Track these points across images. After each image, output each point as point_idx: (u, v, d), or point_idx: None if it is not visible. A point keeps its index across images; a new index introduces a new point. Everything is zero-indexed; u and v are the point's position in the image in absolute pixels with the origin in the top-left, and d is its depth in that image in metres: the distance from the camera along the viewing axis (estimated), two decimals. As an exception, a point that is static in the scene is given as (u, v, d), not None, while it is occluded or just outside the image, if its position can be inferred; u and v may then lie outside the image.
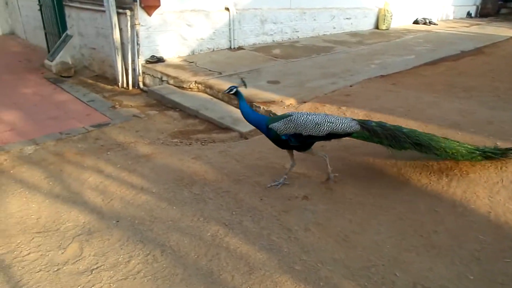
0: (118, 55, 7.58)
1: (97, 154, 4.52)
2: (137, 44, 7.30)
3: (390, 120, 4.53)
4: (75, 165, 4.23)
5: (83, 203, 3.54)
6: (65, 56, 9.47)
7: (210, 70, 7.25)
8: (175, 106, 6.09)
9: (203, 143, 4.77)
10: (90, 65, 9.46)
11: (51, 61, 9.47)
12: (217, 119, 5.33)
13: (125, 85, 7.76)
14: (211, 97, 6.20)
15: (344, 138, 3.55)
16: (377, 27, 13.34)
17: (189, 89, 6.59)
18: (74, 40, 9.59)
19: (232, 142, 4.70)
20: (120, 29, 7.46)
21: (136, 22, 7.14)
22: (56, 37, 10.37)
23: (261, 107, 5.35)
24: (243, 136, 4.89)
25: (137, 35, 7.25)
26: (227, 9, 8.75)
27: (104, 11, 7.69)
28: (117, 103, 6.62)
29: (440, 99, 5.36)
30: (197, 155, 4.33)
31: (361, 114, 4.77)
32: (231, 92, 3.48)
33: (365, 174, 3.75)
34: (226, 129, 5.13)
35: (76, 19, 9.31)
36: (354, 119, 3.44)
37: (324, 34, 11.45)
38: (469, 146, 3.53)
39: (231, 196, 3.52)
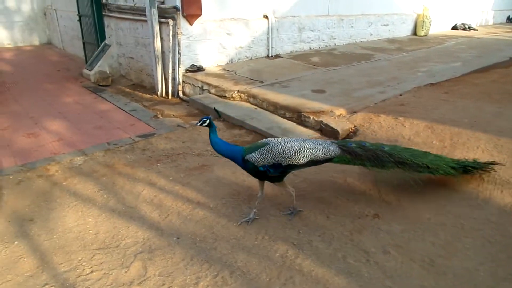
0: (159, 64, 7.57)
1: (147, 165, 4.42)
2: (178, 53, 7.27)
3: (455, 132, 4.24)
4: (127, 177, 4.14)
5: (140, 218, 3.41)
6: (103, 65, 9.60)
7: (251, 79, 7.12)
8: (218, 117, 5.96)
9: (254, 155, 4.59)
10: (127, 74, 9.55)
11: (90, 70, 9.62)
12: (265, 129, 5.15)
13: (164, 94, 7.74)
14: (255, 107, 6.04)
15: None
16: (415, 33, 12.94)
17: (231, 99, 6.47)
18: (112, 49, 9.72)
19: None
20: (161, 38, 7.46)
21: (178, 31, 7.11)
22: (94, 47, 10.55)
23: (311, 117, 5.14)
24: (295, 147, 4.68)
25: (178, 44, 7.22)
26: (266, 17, 8.64)
27: (145, 21, 7.73)
28: (158, 113, 6.57)
29: (504, 109, 5.00)
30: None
31: (422, 126, 4.49)
32: (204, 124, 3.09)
33: (435, 190, 3.47)
34: (276, 140, 4.94)
35: (115, 29, 9.44)
36: (334, 142, 3.23)
37: (361, 41, 11.18)
38: (450, 160, 3.40)
39: (294, 213, 3.32)
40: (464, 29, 14.72)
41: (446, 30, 14.65)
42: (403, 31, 12.70)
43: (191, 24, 7.45)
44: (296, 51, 9.55)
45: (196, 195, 3.72)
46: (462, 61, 8.60)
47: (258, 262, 2.79)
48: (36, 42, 16.28)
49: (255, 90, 6.41)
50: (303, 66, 8.18)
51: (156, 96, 7.77)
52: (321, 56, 9.21)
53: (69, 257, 2.97)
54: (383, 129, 4.61)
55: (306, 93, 6.21)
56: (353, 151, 3.19)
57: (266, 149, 2.99)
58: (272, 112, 5.78)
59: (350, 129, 4.81)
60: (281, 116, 5.58)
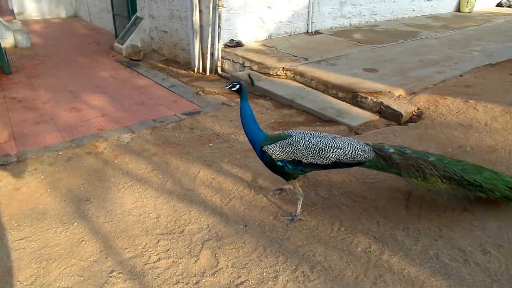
0: (196, 39, 7.25)
1: (198, 145, 4.20)
2: (219, 27, 6.92)
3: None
4: (180, 158, 3.93)
5: (201, 202, 3.21)
6: (135, 39, 9.35)
7: (294, 56, 6.75)
8: (264, 94, 5.67)
9: (310, 137, 4.30)
10: (159, 48, 9.27)
11: (121, 44, 9.39)
12: (318, 110, 4.84)
13: (201, 70, 7.46)
14: (303, 85, 5.71)
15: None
16: (458, 9, 12.14)
17: (276, 76, 6.14)
18: (144, 22, 9.42)
19: (344, 137, 4.19)
20: (200, 11, 7.11)
21: (220, 3, 6.74)
22: (125, 20, 10.28)
23: (369, 98, 4.79)
24: (353, 130, 4.38)
25: (219, 17, 6.86)
26: (308, -11, 8.14)
27: (182, -8, 7.39)
28: (199, 89, 6.32)
29: None
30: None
31: (497, 110, 4.09)
32: (233, 89, 2.84)
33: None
34: (330, 121, 4.64)
35: (148, 1, 9.10)
36: (368, 144, 2.76)
37: (403, 17, 10.53)
38: (509, 180, 2.75)
39: (369, 203, 3.05)
40: (509, 6, 13.75)
41: (491, 7, 13.71)
42: (446, 7, 11.92)
43: (231, -4, 7.05)
44: (336, 27, 9.05)
45: (256, 179, 3.49)
46: (518, 41, 7.96)
47: (339, 256, 2.56)
48: (62, 14, 16.10)
49: (302, 68, 6.05)
50: (347, 43, 7.72)
51: (192, 72, 7.50)
52: (364, 32, 8.69)
53: (132, 242, 2.80)
54: (452, 112, 4.24)
55: (357, 71, 5.82)
56: (390, 158, 2.69)
57: (287, 142, 2.64)
58: (323, 91, 5.44)
59: (414, 112, 4.45)
60: (333, 96, 5.24)
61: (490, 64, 6.18)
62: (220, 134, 4.46)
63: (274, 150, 2.66)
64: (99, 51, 9.86)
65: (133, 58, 8.86)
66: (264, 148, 2.71)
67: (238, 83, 2.84)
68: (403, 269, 2.41)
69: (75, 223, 3.01)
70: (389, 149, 2.75)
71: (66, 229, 2.95)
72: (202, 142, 4.28)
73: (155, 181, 3.54)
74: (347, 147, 2.63)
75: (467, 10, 11.99)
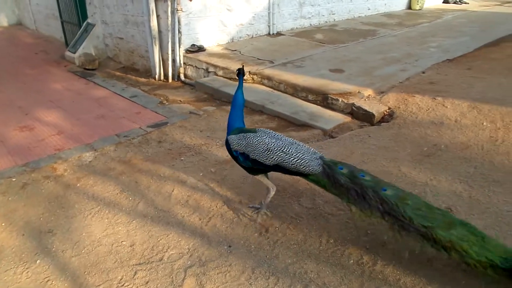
0: (156, 45, 6.94)
1: (169, 160, 3.95)
2: (179, 32, 6.65)
3: (505, 112, 3.97)
4: (150, 175, 3.67)
5: (178, 224, 2.99)
6: (88, 47, 8.82)
7: (259, 59, 6.63)
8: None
9: (284, 144, 4.19)
10: (115, 56, 8.81)
11: (73, 52, 8.82)
12: (290, 114, 4.74)
13: (162, 77, 7.15)
14: (271, 89, 5.59)
15: None
16: (409, 7, 12.61)
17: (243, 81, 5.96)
18: (97, 29, 8.92)
19: (319, 142, 4.12)
20: (158, 16, 6.80)
21: (178, 8, 6.48)
22: (75, 27, 9.68)
23: (340, 100, 4.75)
24: (328, 134, 4.31)
25: (179, 22, 6.60)
26: (267, -10, 8.06)
27: (136, -4, 7.04)
28: (162, 98, 6.02)
29: (540, 85, 4.77)
30: (287, 158, 3.76)
31: (465, 106, 4.19)
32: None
33: (504, 178, 3.20)
34: (304, 126, 4.55)
35: (99, 6, 8.62)
36: (323, 159, 2.63)
37: (359, 16, 10.76)
38: (493, 249, 2.09)
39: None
40: (455, 2, 14.51)
41: (438, 3, 14.40)
42: (399, 5, 12.35)
43: (190, -1, 6.81)
44: (296, 27, 9.05)
45: (235, 193, 3.31)
46: (468, 36, 8.35)
47: (332, 271, 2.45)
48: (4, 23, 14.97)
49: (268, 71, 5.94)
50: (310, 43, 7.72)
51: (153, 80, 7.18)
52: (324, 32, 8.75)
53: (106, 276, 2.53)
54: (422, 110, 4.29)
55: (324, 73, 5.79)
56: (335, 178, 2.50)
57: (246, 136, 2.74)
58: (292, 94, 5.35)
59: (385, 112, 4.47)
60: (303, 99, 5.17)
61: (448, 59, 6.41)
62: (191, 146, 4.23)
63: (233, 140, 2.80)
64: (48, 61, 9.22)
65: (87, 67, 8.35)
66: (228, 137, 2.87)
67: (238, 69, 3.07)
68: (398, 279, 2.34)
69: (38, 261, 2.68)
70: (342, 168, 2.56)
71: (27, 268, 2.61)
72: (173, 156, 4.03)
73: (126, 203, 3.26)
74: (294, 155, 2.58)
75: (417, 7, 12.48)
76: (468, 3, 14.55)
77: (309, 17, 9.34)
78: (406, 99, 4.55)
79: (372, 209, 2.37)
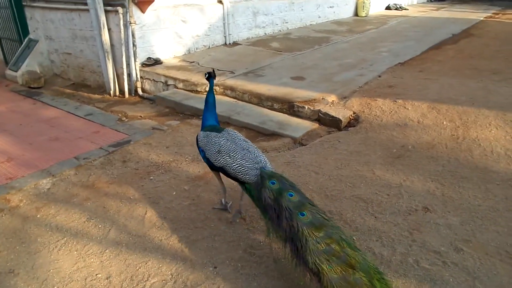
0: (109, 59, 6.62)
1: (137, 180, 3.73)
2: (134, 45, 6.41)
3: (461, 111, 4.20)
4: (119, 198, 3.44)
5: (156, 249, 2.81)
6: (31, 64, 8.26)
7: (219, 70, 6.54)
8: (196, 113, 5.35)
9: (256, 154, 4.13)
10: (63, 73, 8.32)
11: (15, 71, 8.21)
12: (258, 124, 4.70)
13: (117, 93, 6.84)
14: (235, 100, 5.53)
15: None
16: (356, 14, 13.19)
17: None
18: (40, 45, 8.38)
19: (291, 151, 4.11)
20: (109, 29, 6.51)
21: (132, 20, 6.25)
22: (16, 43, 9.03)
23: (306, 107, 4.80)
24: (298, 142, 4.32)
25: (132, 35, 6.35)
26: (220, 2, 8.03)
27: (82, 10, 6.72)
28: (121, 115, 5.74)
29: (486, 84, 5.14)
30: (262, 169, 3.71)
31: (424, 107, 4.40)
32: (206, 76, 3.23)
33: (470, 172, 3.37)
34: (273, 135, 4.53)
35: (42, 21, 8.11)
36: (263, 169, 2.54)
37: (311, 24, 11.06)
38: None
39: (337, 217, 2.97)
40: (396, 9, 15.41)
41: (381, 10, 15.22)
42: (346, 12, 12.87)
43: (143, 11, 6.60)
44: (252, 37, 9.10)
45: (214, 211, 3.19)
46: (413, 40, 8.87)
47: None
48: None
49: (231, 82, 5.88)
50: (267, 52, 7.78)
51: (108, 96, 6.84)
52: (280, 41, 8.87)
53: (83, 316, 2.30)
54: (386, 113, 4.44)
55: (286, 81, 5.84)
56: (260, 191, 2.44)
57: (209, 134, 2.85)
58: (257, 104, 5.32)
59: (351, 116, 4.57)
60: (269, 108, 5.16)
61: (399, 63, 6.74)
62: (159, 164, 4.04)
63: (199, 137, 2.93)
64: (-13, 81, 8.47)
65: (32, 86, 7.78)
66: (199, 133, 2.98)
67: (208, 72, 3.21)
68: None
69: (0, 307, 2.38)
70: (273, 183, 2.43)
71: (-13, 317, 2.31)
72: (141, 176, 3.81)
73: (95, 232, 3.02)
74: (237, 162, 2.61)
75: (363, 14, 13.09)
76: (408, 9, 15.53)
77: (263, 26, 9.43)
78: (369, 103, 4.69)
79: (280, 231, 2.27)
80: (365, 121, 4.41)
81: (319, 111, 4.64)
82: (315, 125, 4.60)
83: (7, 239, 2.99)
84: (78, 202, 3.42)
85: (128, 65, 6.58)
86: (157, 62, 6.89)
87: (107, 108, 6.17)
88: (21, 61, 8.31)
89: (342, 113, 4.55)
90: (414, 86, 5.18)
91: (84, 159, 4.23)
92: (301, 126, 4.58)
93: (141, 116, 5.61)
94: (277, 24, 9.85)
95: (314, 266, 2.03)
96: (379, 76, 5.92)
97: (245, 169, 2.55)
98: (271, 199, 2.37)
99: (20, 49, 8.62)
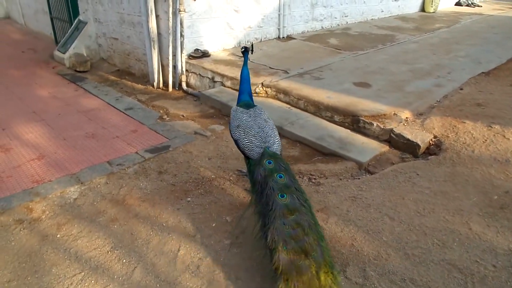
0: (154, 49, 6.16)
1: (173, 201, 3.20)
2: (181, 35, 5.88)
3: None
4: (149, 224, 2.92)
5: (188, 304, 2.25)
6: (79, 46, 8.03)
7: (271, 68, 5.89)
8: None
9: (312, 180, 3.46)
10: (109, 58, 8.02)
11: (63, 52, 8.02)
12: (315, 140, 4.02)
13: (161, 85, 6.39)
14: (288, 106, 4.86)
15: None
16: (423, 9, 11.93)
17: (255, 94, 5.23)
18: (89, 27, 8.12)
19: (356, 180, 3.39)
20: (157, 16, 6.02)
21: (181, 8, 5.71)
22: (66, 24, 8.88)
23: (375, 124, 4.03)
24: (364, 167, 3.59)
25: (181, 23, 5.82)
26: (278, -10, 7.30)
27: (134, -7, 6.26)
28: (162, 111, 5.27)
29: None
30: (319, 203, 3.04)
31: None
32: (242, 50, 3.38)
33: None
34: (332, 155, 3.83)
35: (92, 2, 7.81)
36: (267, 149, 2.66)
37: (373, 19, 10.05)
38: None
39: None
40: (468, 5, 13.88)
41: (451, 6, 13.75)
42: (412, 7, 11.66)
43: (194, -1, 6.04)
44: (308, 31, 8.31)
45: (259, 255, 2.58)
46: (494, 43, 7.69)
47: None
48: (-9, 16, 14.03)
49: (284, 84, 5.20)
50: (325, 50, 6.98)
51: (151, 87, 6.41)
52: (338, 37, 8.02)
53: None
54: (479, 142, 3.58)
55: (348, 87, 5.07)
56: (255, 168, 2.59)
57: (238, 109, 2.97)
58: (314, 113, 4.62)
59: (431, 141, 3.76)
60: (328, 120, 4.44)
61: (483, 72, 5.73)
62: (199, 181, 3.48)
63: (232, 111, 3.01)
64: (36, 60, 8.40)
65: (78, 70, 7.57)
66: (234, 107, 3.06)
67: (245, 47, 3.41)
68: None
69: None
70: (270, 163, 2.57)
71: None
72: (177, 195, 3.28)
73: (118, 268, 2.52)
74: (248, 138, 2.75)
75: (432, 10, 11.81)
76: (481, 6, 13.93)
77: (321, 19, 8.60)
78: (454, 126, 3.84)
79: (259, 206, 2.42)
80: (450, 149, 3.58)
81: (391, 130, 3.87)
82: (385, 148, 3.84)
83: (20, 263, 2.57)
84: (104, 222, 2.95)
85: (174, 56, 6.09)
86: (205, 54, 6.34)
87: (149, 101, 5.73)
88: (69, 43, 8.11)
89: (421, 136, 3.75)
90: (510, 105, 4.23)
91: (117, 165, 3.77)
92: (368, 147, 3.84)
93: (183, 116, 5.10)
94: (335, 18, 8.97)
95: (271, 242, 2.12)
96: (461, 89, 4.99)
97: (252, 146, 2.69)
98: (261, 176, 2.50)
99: (69, 30, 8.44)
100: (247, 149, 2.72)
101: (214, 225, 2.89)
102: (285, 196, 2.34)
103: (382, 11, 10.45)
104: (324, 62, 6.22)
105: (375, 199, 3.01)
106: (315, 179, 3.47)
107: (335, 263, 2.28)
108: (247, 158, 2.77)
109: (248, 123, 2.83)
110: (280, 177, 2.47)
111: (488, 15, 11.72)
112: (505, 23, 10.36)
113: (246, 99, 3.15)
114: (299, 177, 3.51)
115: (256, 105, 3.08)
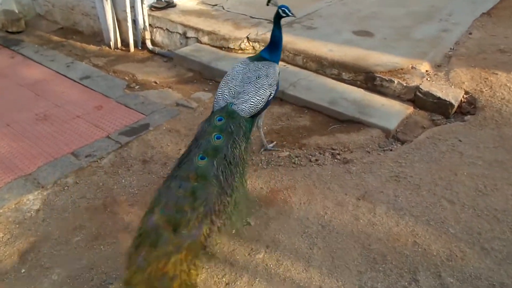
0: (107, 0, 5.01)
1: (170, 201, 2.47)
2: (140, -19, 4.77)
3: None
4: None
5: None
6: (8, 2, 6.54)
7: (252, 17, 5.01)
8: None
9: (336, 157, 2.84)
10: (47, 13, 6.64)
11: (-13, 10, 6.51)
12: (326, 105, 3.37)
13: (119, 44, 5.33)
14: (284, 63, 4.10)
15: None
16: None
17: (240, 51, 4.41)
18: (17, -24, 6.58)
19: (388, 153, 2.83)
20: (106, -44, 4.82)
21: None
22: (-14, -26, 7.18)
23: (395, 82, 3.42)
24: (391, 135, 3.03)
25: (139, -34, 4.69)
26: None
27: None
28: (128, 78, 4.34)
29: None
30: (357, 188, 2.46)
31: None
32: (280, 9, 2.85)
33: None
34: (351, 122, 3.21)
35: None
36: (231, 104, 2.32)
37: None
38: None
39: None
40: None
41: None
42: None
43: None
44: (281, -28, 7.28)
45: (293, 263, 1.99)
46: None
47: None
48: None
49: (274, 37, 4.37)
50: (307, -7, 6.10)
51: (107, 48, 5.33)
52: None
53: None
54: (520, 97, 3.11)
55: (348, 37, 4.36)
56: (203, 123, 2.30)
57: (244, 61, 2.66)
58: (316, 71, 3.92)
59: (462, 98, 3.23)
60: (335, 78, 3.77)
61: (484, 13, 5.22)
62: (198, 170, 2.76)
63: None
64: (-48, 22, 6.79)
65: (10, 30, 6.22)
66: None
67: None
68: None
69: None
70: (220, 120, 2.25)
71: None
72: (175, 193, 2.55)
73: (118, 313, 1.83)
74: (223, 88, 2.47)
75: None
76: None
77: (295, -42, 7.56)
78: (486, 79, 3.33)
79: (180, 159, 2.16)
80: (489, 107, 3.08)
81: (417, 88, 3.28)
82: (410, 109, 3.28)
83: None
84: (84, 243, 2.20)
85: (132, 7, 4.99)
86: (169, 4, 5.29)
87: (108, 66, 4.72)
88: (-7, -3, 6.58)
89: (452, 93, 3.20)
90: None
91: (86, 156, 2.93)
92: (391, 110, 3.25)
93: (156, 82, 4.20)
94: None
95: (155, 200, 1.91)
96: (470, 34, 4.46)
97: (220, 97, 2.42)
98: (200, 131, 2.24)
99: (-9, -19, 6.83)
100: (215, 99, 2.46)
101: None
102: (205, 159, 2.02)
103: None
104: (311, 8, 5.40)
105: (422, 178, 2.48)
106: (339, 154, 2.86)
107: (218, 258, 2.03)
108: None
109: (235, 75, 2.54)
110: (218, 138, 2.14)
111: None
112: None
113: (263, 55, 2.70)
114: (319, 153, 2.88)
115: (269, 61, 2.63)
